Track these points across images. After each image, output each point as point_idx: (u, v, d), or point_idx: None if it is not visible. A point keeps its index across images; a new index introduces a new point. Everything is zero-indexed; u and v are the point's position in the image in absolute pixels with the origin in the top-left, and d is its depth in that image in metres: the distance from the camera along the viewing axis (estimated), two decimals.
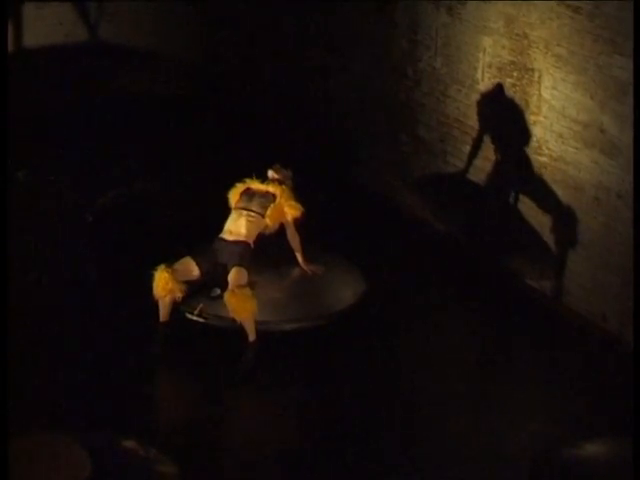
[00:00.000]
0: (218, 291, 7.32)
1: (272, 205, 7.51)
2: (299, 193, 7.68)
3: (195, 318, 7.25)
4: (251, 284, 7.22)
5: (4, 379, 5.43)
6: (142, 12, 11.00)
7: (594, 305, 7.72)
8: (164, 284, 7.14)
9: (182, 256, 7.42)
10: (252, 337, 7.16)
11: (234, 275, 7.18)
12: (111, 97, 10.74)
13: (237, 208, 7.53)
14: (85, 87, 10.76)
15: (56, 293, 7.99)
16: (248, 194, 7.58)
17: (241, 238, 7.40)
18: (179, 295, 7.18)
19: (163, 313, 7.26)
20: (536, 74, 7.84)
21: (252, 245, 7.42)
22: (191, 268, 7.29)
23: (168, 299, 7.19)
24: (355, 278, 7.80)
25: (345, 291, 7.63)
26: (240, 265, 7.24)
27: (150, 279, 7.19)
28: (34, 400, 6.64)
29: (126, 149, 10.00)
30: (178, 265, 7.26)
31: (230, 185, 7.70)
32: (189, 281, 7.26)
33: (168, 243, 8.13)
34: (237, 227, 7.44)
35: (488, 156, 8.42)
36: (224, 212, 7.62)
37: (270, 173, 7.70)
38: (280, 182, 7.65)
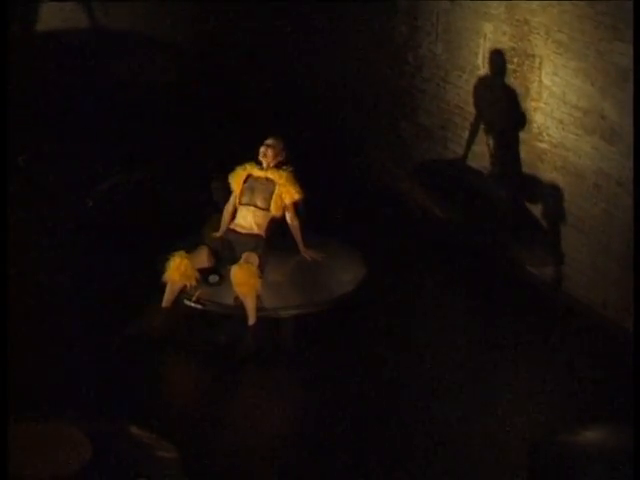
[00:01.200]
0: (217, 277, 7.33)
1: (274, 195, 7.46)
2: (296, 166, 7.59)
3: (193, 304, 7.25)
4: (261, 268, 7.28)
5: (5, 365, 5.44)
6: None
7: (594, 292, 7.72)
8: (183, 270, 7.16)
9: (180, 241, 7.48)
10: (252, 320, 7.17)
11: (246, 255, 7.25)
12: (108, 83, 10.73)
13: (242, 204, 7.47)
14: (82, 73, 10.74)
15: (56, 281, 7.98)
16: (250, 186, 7.49)
17: (254, 232, 7.44)
18: (193, 283, 7.21)
19: (169, 299, 7.26)
20: (537, 60, 7.82)
21: (264, 235, 7.46)
22: (207, 257, 7.32)
23: (179, 285, 7.21)
24: (355, 263, 7.78)
25: (345, 277, 7.62)
26: (253, 251, 7.31)
27: (164, 264, 7.20)
28: (34, 386, 6.64)
29: (124, 135, 9.99)
30: (195, 253, 7.28)
31: (229, 169, 7.65)
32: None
33: (166, 228, 8.15)
34: (248, 222, 7.46)
35: (488, 142, 8.41)
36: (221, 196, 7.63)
37: (264, 161, 7.53)
38: (278, 166, 7.56)
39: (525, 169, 8.14)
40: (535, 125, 7.95)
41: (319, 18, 10.08)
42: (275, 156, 7.54)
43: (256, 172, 7.55)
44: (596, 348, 7.38)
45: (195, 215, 8.15)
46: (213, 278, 7.33)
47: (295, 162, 7.71)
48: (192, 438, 6.35)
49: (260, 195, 7.47)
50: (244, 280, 7.10)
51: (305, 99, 10.40)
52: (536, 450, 5.68)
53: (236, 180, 7.57)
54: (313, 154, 9.80)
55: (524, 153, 8.12)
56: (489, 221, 8.55)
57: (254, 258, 7.25)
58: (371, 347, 7.40)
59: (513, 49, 8.01)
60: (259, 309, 7.21)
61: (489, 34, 8.21)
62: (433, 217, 8.98)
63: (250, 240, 7.38)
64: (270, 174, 7.52)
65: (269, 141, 7.56)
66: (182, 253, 7.22)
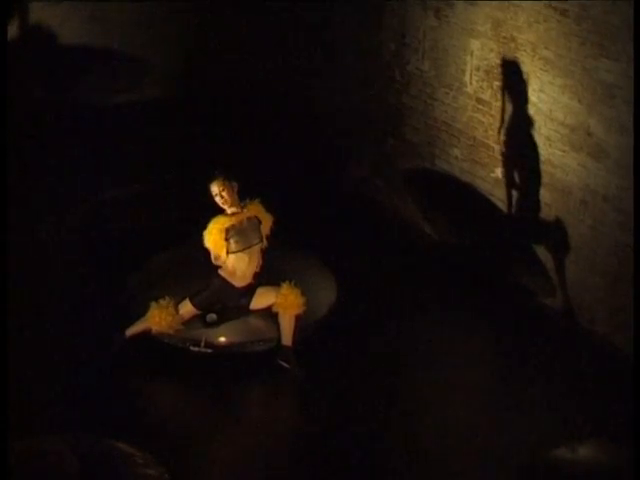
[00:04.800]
0: (215, 317, 7.31)
1: (262, 227, 7.32)
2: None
3: (202, 350, 7.23)
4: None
5: (4, 386, 5.42)
6: (128, 14, 10.99)
7: (581, 307, 7.74)
8: (170, 320, 7.18)
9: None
10: (287, 341, 7.22)
11: (268, 289, 7.31)
12: (97, 100, 10.73)
13: (241, 251, 7.22)
14: (70, 90, 10.73)
15: (50, 299, 7.95)
16: (238, 232, 7.21)
17: (253, 277, 7.35)
18: (176, 329, 7.23)
19: (138, 332, 7.27)
20: (523, 77, 7.85)
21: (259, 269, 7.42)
22: (193, 312, 7.31)
23: (157, 330, 7.23)
24: (327, 285, 7.77)
25: (317, 302, 7.56)
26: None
27: (151, 310, 7.21)
28: (21, 404, 6.61)
29: (114, 151, 9.99)
30: (182, 304, 7.26)
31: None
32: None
33: (156, 243, 8.16)
34: (251, 268, 7.31)
35: (475, 159, 8.44)
36: (208, 213, 7.48)
37: (228, 205, 7.21)
38: (242, 199, 7.31)
39: (512, 185, 8.17)
40: (523, 142, 7.98)
41: (306, 34, 10.10)
42: (232, 194, 7.23)
43: (233, 220, 7.23)
44: (584, 363, 7.39)
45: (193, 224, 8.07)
46: (211, 317, 7.30)
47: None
48: (182, 456, 6.33)
49: (251, 233, 7.26)
50: (295, 302, 7.21)
51: (291, 115, 10.40)
52: (531, 467, 5.69)
53: (217, 241, 7.20)
54: (299, 170, 9.83)
55: (510, 169, 8.14)
56: (475, 236, 8.56)
57: (271, 288, 7.31)
58: (365, 364, 7.41)
59: (500, 66, 8.03)
60: (230, 345, 7.25)
61: (476, 51, 8.23)
62: (420, 233, 8.99)
63: (249, 290, 7.34)
64: (247, 212, 7.28)
65: (215, 188, 7.20)
66: (169, 301, 7.22)
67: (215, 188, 7.21)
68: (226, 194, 7.19)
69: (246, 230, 7.24)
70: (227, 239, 7.18)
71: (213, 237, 7.20)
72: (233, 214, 7.24)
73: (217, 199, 7.23)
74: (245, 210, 7.29)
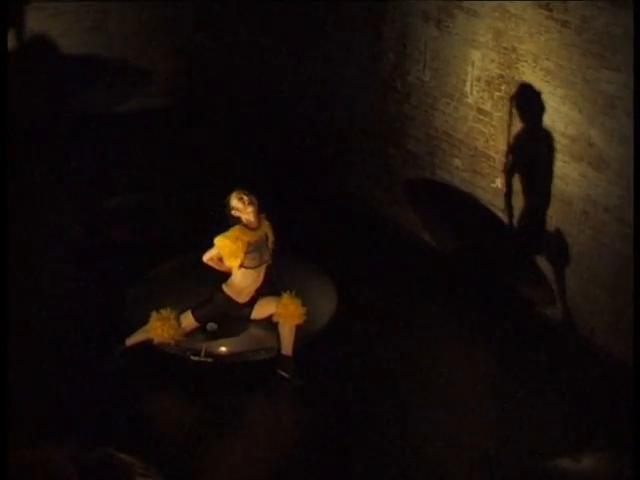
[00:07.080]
0: (215, 326, 7.30)
1: (270, 244, 7.27)
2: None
3: (202, 359, 7.21)
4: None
5: (4, 395, 5.41)
6: (129, 24, 11.02)
7: (582, 317, 7.74)
8: (172, 333, 7.15)
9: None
10: (287, 351, 7.20)
11: (268, 299, 7.25)
12: (98, 109, 10.74)
13: (253, 268, 7.14)
14: (71, 99, 10.75)
15: (50, 308, 7.94)
16: (255, 249, 7.08)
17: (255, 292, 7.30)
18: (177, 341, 7.21)
19: (138, 342, 7.24)
20: (525, 88, 7.86)
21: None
22: (195, 325, 7.27)
23: (161, 341, 7.20)
24: (328, 295, 7.76)
25: (318, 311, 7.55)
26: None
27: (153, 320, 7.17)
28: (24, 413, 6.60)
29: (115, 161, 10.00)
30: (184, 320, 7.23)
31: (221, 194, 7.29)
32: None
33: (158, 253, 8.17)
34: (256, 285, 7.25)
35: (476, 169, 8.45)
36: (211, 223, 7.42)
37: (255, 216, 7.07)
38: (254, 210, 7.10)
39: (512, 195, 8.17)
40: (524, 152, 7.98)
41: (308, 44, 10.12)
42: (248, 202, 7.07)
43: (256, 236, 7.12)
44: (584, 374, 7.38)
45: (195, 233, 8.03)
46: (211, 327, 7.29)
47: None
48: (182, 466, 6.33)
49: (265, 250, 7.19)
50: (295, 312, 7.16)
51: (293, 125, 10.42)
52: (533, 477, 5.69)
53: (237, 252, 7.05)
54: (300, 180, 9.84)
55: (511, 179, 8.15)
56: (476, 247, 8.56)
57: (272, 298, 7.27)
58: (365, 374, 7.40)
59: (501, 76, 8.05)
60: (231, 355, 7.24)
61: (477, 62, 8.25)
62: (420, 243, 8.99)
63: (252, 303, 7.32)
64: (262, 229, 7.19)
65: (250, 198, 7.06)
66: (171, 313, 7.19)
67: (249, 199, 7.05)
68: (257, 207, 7.06)
69: (262, 247, 7.17)
70: (246, 253, 7.08)
71: (236, 246, 7.03)
72: (254, 229, 7.13)
73: (242, 201, 7.03)
74: (261, 228, 7.19)
